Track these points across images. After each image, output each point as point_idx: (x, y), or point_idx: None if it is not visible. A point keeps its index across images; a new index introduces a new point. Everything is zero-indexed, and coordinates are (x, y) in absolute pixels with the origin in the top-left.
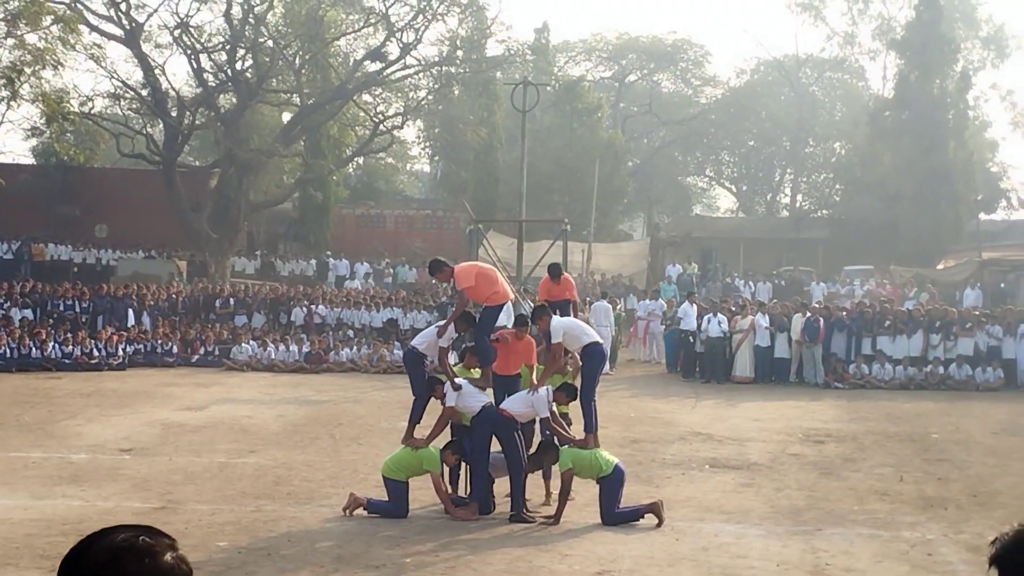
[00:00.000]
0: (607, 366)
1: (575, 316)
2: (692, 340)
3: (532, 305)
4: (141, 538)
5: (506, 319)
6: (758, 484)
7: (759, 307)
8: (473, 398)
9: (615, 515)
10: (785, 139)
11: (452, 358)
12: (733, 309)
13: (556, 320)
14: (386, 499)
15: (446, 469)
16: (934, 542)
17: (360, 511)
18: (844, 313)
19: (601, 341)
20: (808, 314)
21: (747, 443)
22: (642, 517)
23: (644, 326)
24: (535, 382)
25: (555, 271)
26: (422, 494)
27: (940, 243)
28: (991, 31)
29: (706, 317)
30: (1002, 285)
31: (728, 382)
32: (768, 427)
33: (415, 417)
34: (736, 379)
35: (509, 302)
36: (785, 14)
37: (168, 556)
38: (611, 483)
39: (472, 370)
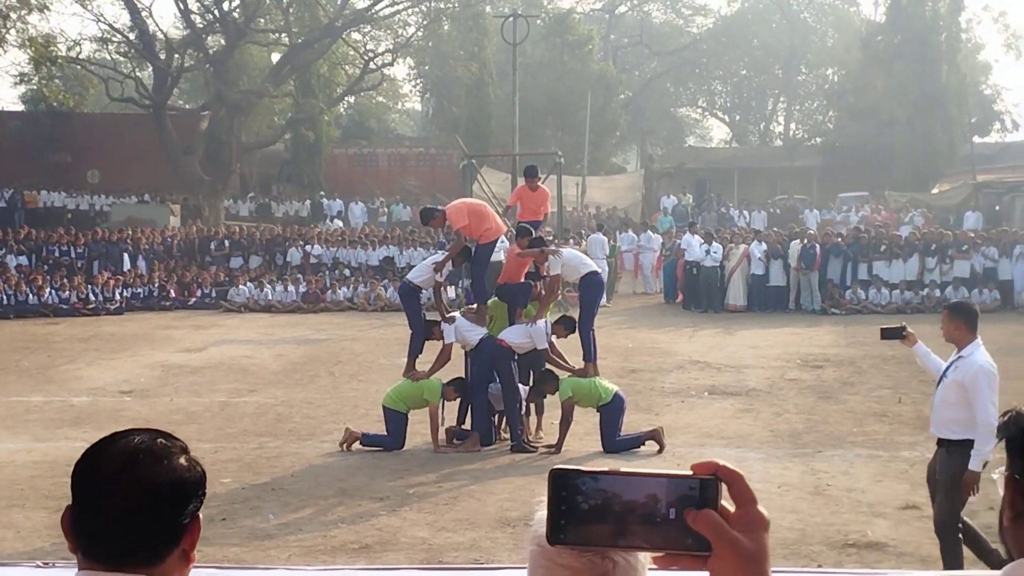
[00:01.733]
0: (604, 298)
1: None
2: (696, 271)
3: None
4: (158, 440)
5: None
6: (757, 409)
7: (754, 235)
8: (470, 331)
9: (616, 442)
10: (777, 67)
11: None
12: (728, 238)
13: (553, 254)
14: (383, 432)
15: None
16: None
17: (357, 445)
18: (840, 239)
19: (599, 271)
20: (805, 241)
21: (745, 370)
22: (643, 444)
23: (632, 258)
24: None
25: (532, 172)
26: (423, 427)
27: (934, 167)
28: None
29: (701, 247)
30: (997, 207)
31: (723, 311)
32: (766, 354)
33: (414, 350)
34: (729, 307)
35: (503, 236)
36: None
37: (183, 458)
38: (611, 411)
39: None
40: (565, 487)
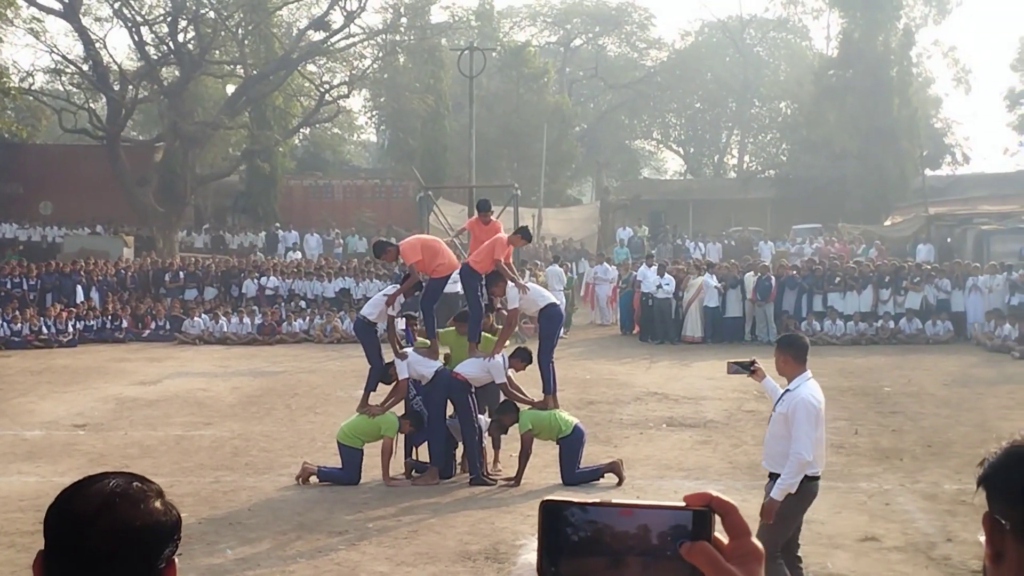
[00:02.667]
0: (561, 329)
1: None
2: (651, 303)
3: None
4: (134, 483)
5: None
6: (715, 441)
7: (707, 267)
8: (424, 365)
9: (576, 475)
10: (731, 100)
11: (400, 324)
12: (683, 269)
13: (512, 286)
14: (338, 467)
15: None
16: (891, 492)
17: (313, 479)
18: (795, 271)
19: (558, 303)
20: (760, 273)
21: (703, 401)
22: (602, 476)
23: (590, 289)
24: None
25: (484, 206)
26: (380, 460)
27: (887, 200)
28: None
29: (656, 278)
30: (949, 239)
31: (680, 342)
32: (722, 385)
33: (371, 385)
34: (686, 339)
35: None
36: None
37: (159, 502)
38: (571, 443)
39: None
40: (556, 519)
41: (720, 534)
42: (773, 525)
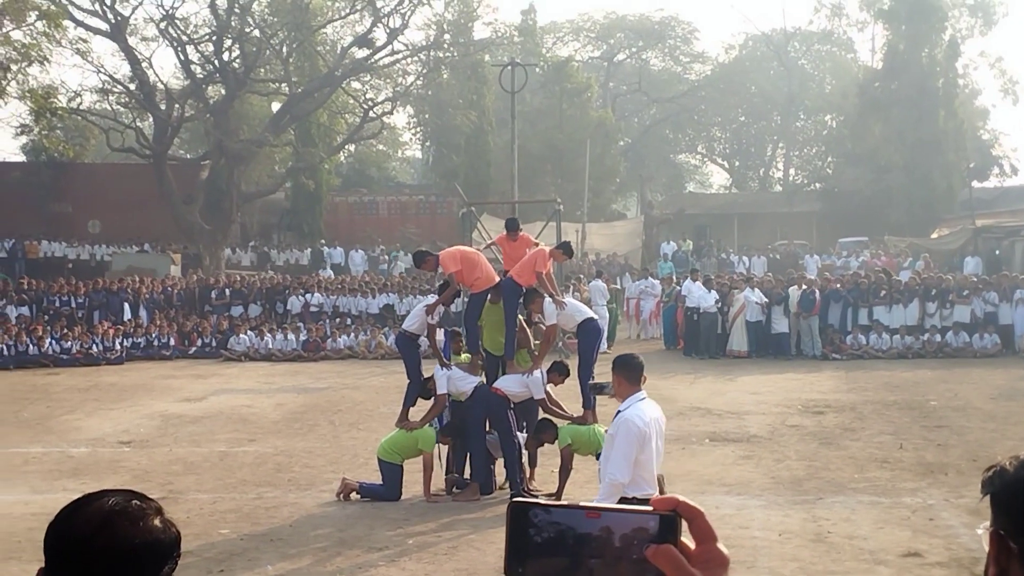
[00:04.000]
0: (604, 344)
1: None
2: (696, 317)
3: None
4: (133, 501)
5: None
6: (758, 456)
7: (747, 282)
8: (464, 381)
9: None
10: (775, 113)
11: (440, 335)
12: (729, 284)
13: (549, 302)
14: (379, 483)
15: (442, 451)
16: (935, 507)
17: (354, 495)
18: (839, 285)
19: (596, 317)
20: (804, 286)
21: (746, 416)
22: None
23: (635, 304)
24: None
25: (512, 225)
26: (421, 476)
27: (933, 212)
28: None
29: (701, 293)
30: (996, 252)
31: (724, 357)
32: (766, 400)
33: (409, 400)
34: (731, 353)
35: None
36: None
37: (157, 520)
38: None
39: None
40: (521, 520)
41: (687, 539)
42: None
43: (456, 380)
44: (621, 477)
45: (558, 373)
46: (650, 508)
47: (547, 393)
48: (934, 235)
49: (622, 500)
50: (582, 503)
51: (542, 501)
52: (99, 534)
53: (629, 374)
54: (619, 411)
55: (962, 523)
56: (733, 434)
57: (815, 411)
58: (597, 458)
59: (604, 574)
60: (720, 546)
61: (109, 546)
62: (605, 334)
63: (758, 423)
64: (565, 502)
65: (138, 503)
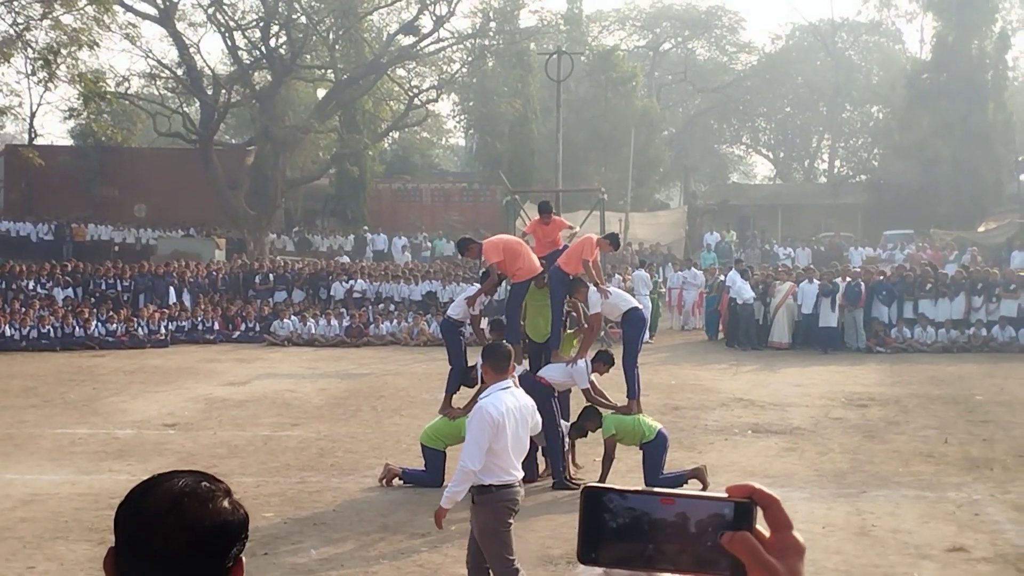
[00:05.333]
0: (647, 334)
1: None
2: (737, 308)
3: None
4: (202, 483)
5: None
6: (801, 448)
7: (804, 272)
8: None
9: (659, 481)
10: (822, 104)
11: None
12: (772, 275)
13: (594, 290)
14: (422, 468)
15: None
16: (980, 502)
17: (396, 481)
18: (882, 277)
19: (640, 307)
20: (849, 278)
21: (789, 408)
22: (686, 482)
23: (677, 295)
24: (566, 355)
25: (545, 208)
26: None
27: (980, 205)
28: None
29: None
30: None
31: (766, 348)
32: (810, 392)
33: (451, 387)
34: (773, 345)
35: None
36: None
37: (226, 501)
38: (654, 448)
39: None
40: (595, 505)
41: (762, 527)
42: (490, 541)
43: None
44: (471, 464)
45: (603, 363)
46: (725, 495)
47: (591, 382)
48: (981, 228)
49: (479, 487)
50: (656, 489)
51: (617, 487)
52: (169, 514)
53: (496, 363)
54: (479, 399)
55: (1008, 519)
56: (776, 426)
57: (859, 404)
58: (640, 448)
59: (679, 560)
60: (796, 534)
61: (179, 526)
62: (648, 324)
63: (801, 415)
64: (639, 487)
65: (207, 484)
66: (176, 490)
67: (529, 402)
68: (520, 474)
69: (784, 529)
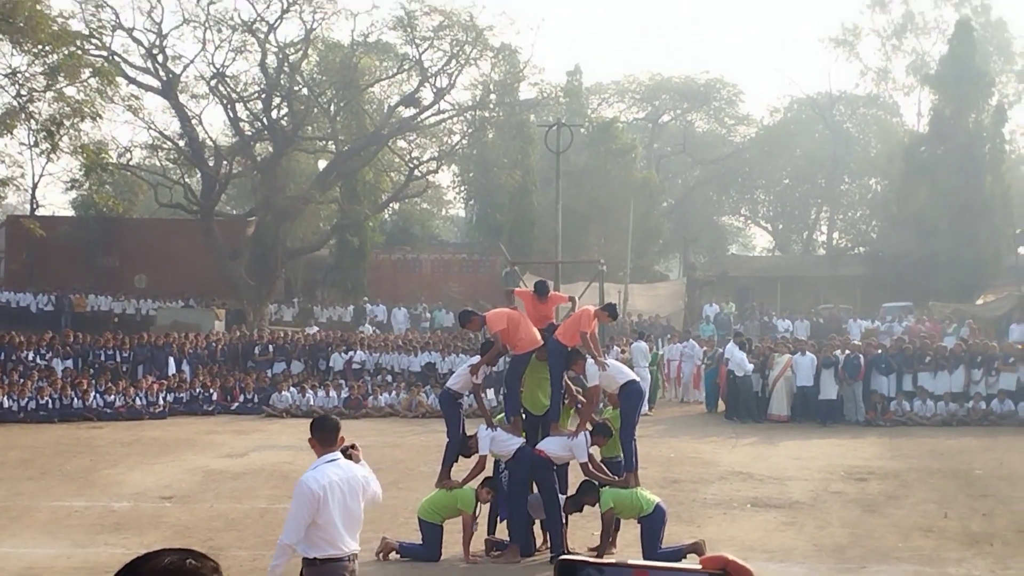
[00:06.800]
0: (646, 406)
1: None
2: (736, 381)
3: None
4: (188, 561)
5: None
6: (800, 522)
7: (796, 344)
8: (507, 442)
9: (657, 555)
10: (820, 176)
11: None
12: (771, 347)
13: (592, 363)
14: (419, 542)
15: (483, 511)
16: None
17: (394, 555)
18: (879, 351)
19: (638, 379)
20: (848, 351)
21: (788, 482)
22: (684, 556)
23: (676, 367)
24: (566, 427)
25: (542, 288)
26: (461, 536)
27: (979, 278)
28: None
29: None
30: None
31: (765, 420)
32: (809, 465)
33: (449, 459)
34: (772, 417)
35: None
36: (818, 50)
37: None
38: (652, 522)
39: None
40: None
41: None
42: None
43: (500, 441)
44: (288, 539)
45: (602, 435)
46: (699, 567)
47: (591, 456)
48: (980, 301)
49: (306, 560)
50: (630, 561)
51: (591, 559)
52: None
53: (322, 435)
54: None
55: None
56: (775, 499)
57: (858, 477)
58: (639, 521)
59: None
60: None
61: None
62: (646, 396)
63: (800, 489)
64: (613, 560)
65: (193, 562)
66: (160, 568)
67: (360, 472)
68: (352, 548)
69: None
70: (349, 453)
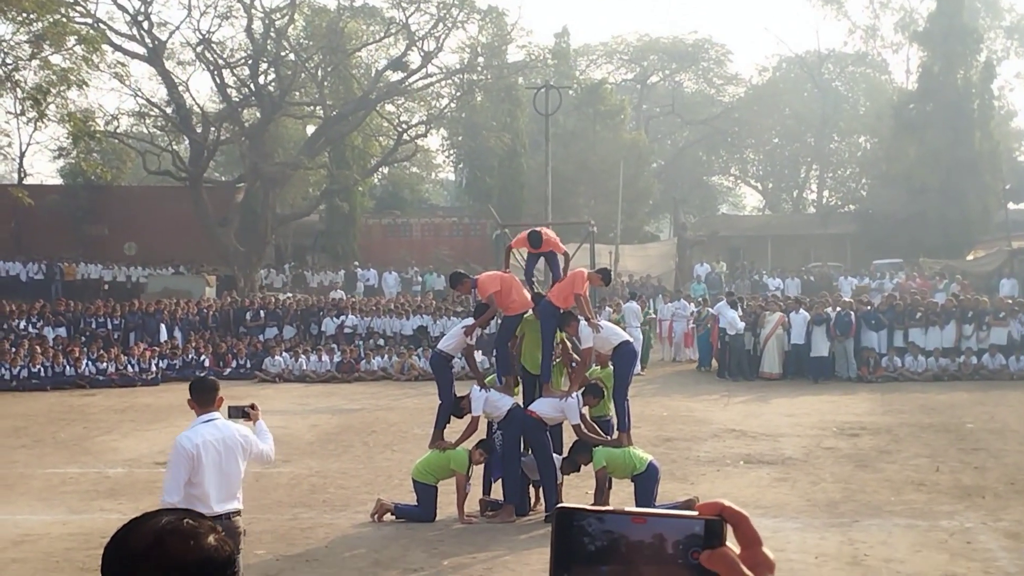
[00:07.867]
0: (638, 367)
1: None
2: (727, 339)
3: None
4: (185, 520)
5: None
6: (793, 478)
7: (796, 304)
8: (500, 401)
9: None
10: (809, 135)
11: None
12: (763, 305)
13: (585, 324)
14: (414, 503)
15: (476, 471)
16: (972, 530)
17: (389, 516)
18: (870, 308)
19: (631, 340)
20: (839, 308)
21: (781, 438)
22: None
23: (668, 326)
24: (560, 388)
25: (535, 239)
26: (454, 498)
27: (969, 234)
28: (1014, 20)
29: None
30: None
31: (757, 379)
32: (801, 422)
33: (441, 421)
34: (764, 375)
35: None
36: (806, 9)
37: (211, 538)
38: (646, 480)
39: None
40: (571, 527)
41: (732, 544)
42: None
43: (492, 400)
44: (170, 498)
45: (593, 396)
46: (696, 513)
47: (582, 417)
48: (969, 257)
49: None
50: (627, 508)
51: (589, 508)
52: (151, 552)
53: (200, 396)
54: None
55: (1000, 546)
56: (768, 456)
57: (850, 433)
58: (632, 480)
59: None
60: (766, 550)
61: (162, 563)
62: (639, 357)
63: (793, 445)
64: (611, 507)
65: (190, 521)
66: (159, 528)
67: (238, 431)
68: (227, 508)
69: (754, 546)
70: (247, 412)
